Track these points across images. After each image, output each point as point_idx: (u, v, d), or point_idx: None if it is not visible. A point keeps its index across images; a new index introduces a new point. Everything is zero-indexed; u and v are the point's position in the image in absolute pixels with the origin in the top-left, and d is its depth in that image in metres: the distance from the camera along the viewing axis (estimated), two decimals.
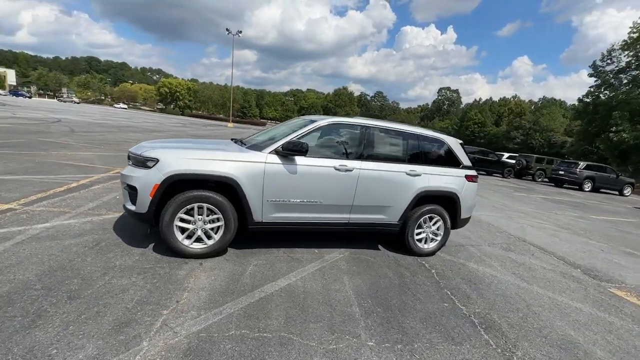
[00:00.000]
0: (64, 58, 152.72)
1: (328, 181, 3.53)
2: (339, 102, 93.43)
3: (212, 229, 3.22)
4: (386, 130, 4.05)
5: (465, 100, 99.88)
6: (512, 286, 3.66)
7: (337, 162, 3.56)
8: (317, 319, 2.51)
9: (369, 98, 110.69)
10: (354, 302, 2.82)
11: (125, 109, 71.73)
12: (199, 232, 3.18)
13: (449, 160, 4.28)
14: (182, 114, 76.12)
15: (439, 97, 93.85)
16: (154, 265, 2.96)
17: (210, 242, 3.22)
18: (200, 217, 3.15)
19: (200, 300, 2.51)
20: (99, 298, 2.36)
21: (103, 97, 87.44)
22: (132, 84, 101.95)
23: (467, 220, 4.49)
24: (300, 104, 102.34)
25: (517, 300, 3.33)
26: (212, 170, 3.07)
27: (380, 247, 4.33)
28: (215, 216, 3.18)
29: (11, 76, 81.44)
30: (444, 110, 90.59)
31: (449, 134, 4.74)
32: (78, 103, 66.85)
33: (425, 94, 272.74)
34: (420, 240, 4.16)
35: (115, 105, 74.60)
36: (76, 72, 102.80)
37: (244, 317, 2.39)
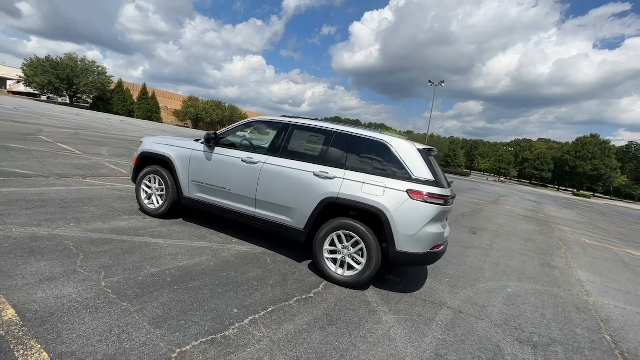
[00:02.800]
0: (321, 118, 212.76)
1: (234, 171, 3.81)
2: (582, 153, 70.63)
3: (159, 195, 4.35)
4: (309, 128, 3.76)
5: None
6: None
7: (246, 155, 3.79)
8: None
9: None
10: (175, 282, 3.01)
11: None
12: (153, 197, 4.39)
13: (391, 167, 3.27)
14: None
15: None
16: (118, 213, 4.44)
17: (158, 205, 4.35)
18: (154, 185, 4.37)
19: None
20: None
21: None
22: None
23: (417, 257, 3.12)
24: (523, 154, 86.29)
25: None
26: (158, 150, 4.29)
27: (303, 263, 3.82)
28: (162, 186, 4.30)
29: None
30: None
31: None
32: None
33: None
34: (335, 262, 3.37)
35: None
36: None
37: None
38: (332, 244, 3.37)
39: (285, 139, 3.76)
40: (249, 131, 4.28)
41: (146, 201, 4.46)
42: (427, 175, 3.17)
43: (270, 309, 2.64)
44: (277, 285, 3.09)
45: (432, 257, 3.21)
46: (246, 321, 2.41)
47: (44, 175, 5.52)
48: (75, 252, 2.98)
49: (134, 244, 3.40)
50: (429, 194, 3.07)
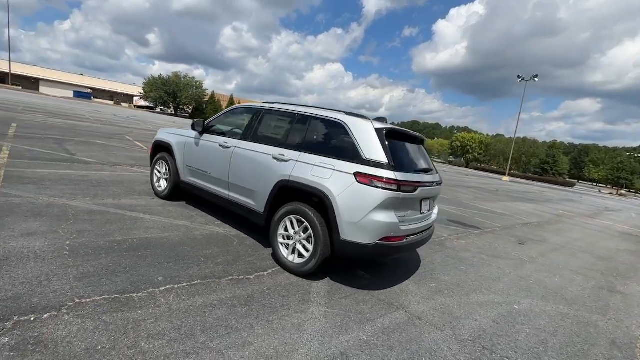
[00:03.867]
0: (395, 123, 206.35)
1: (214, 155, 4.01)
2: None
3: (165, 179, 4.83)
4: (278, 112, 3.69)
5: None
6: None
7: (223, 140, 3.95)
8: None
9: None
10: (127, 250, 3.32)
11: None
12: (161, 180, 4.90)
13: (344, 148, 3.00)
14: (466, 166, 76.42)
15: None
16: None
17: (163, 188, 4.84)
18: (162, 170, 4.87)
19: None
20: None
21: None
22: (433, 139, 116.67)
23: (364, 249, 2.78)
24: None
25: None
26: (164, 139, 4.79)
27: (269, 248, 3.75)
28: (167, 170, 4.77)
29: None
30: None
31: None
32: None
33: None
34: (288, 247, 3.24)
35: None
36: None
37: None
38: (287, 229, 3.24)
39: (256, 124, 3.80)
40: (233, 118, 4.45)
41: (156, 184, 5.00)
42: (381, 157, 2.80)
43: (194, 282, 2.68)
44: (223, 264, 3.12)
45: (382, 250, 2.81)
46: (161, 289, 2.50)
47: (101, 163, 6.69)
48: (69, 218, 3.53)
49: (122, 216, 3.86)
50: (377, 177, 2.71)
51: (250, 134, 3.78)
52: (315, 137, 3.26)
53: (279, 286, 2.89)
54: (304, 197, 3.13)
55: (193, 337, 2.03)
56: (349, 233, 2.79)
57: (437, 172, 3.65)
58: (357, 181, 2.77)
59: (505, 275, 4.31)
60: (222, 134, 4.17)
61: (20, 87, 60.95)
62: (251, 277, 2.98)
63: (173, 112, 65.04)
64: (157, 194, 4.93)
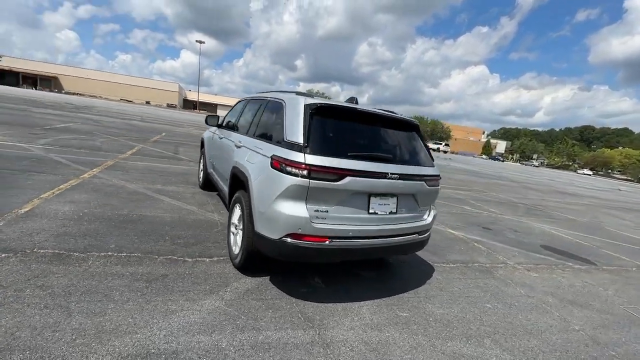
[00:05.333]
0: (557, 129, 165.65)
1: (213, 146, 4.30)
2: None
3: (201, 171, 5.46)
4: (252, 100, 3.58)
5: None
6: None
7: (219, 132, 4.18)
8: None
9: None
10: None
11: (589, 175, 64.42)
12: (201, 172, 5.57)
13: (276, 130, 2.68)
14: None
15: None
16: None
17: (200, 179, 5.48)
18: (201, 162, 5.53)
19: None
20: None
21: (570, 163, 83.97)
22: (623, 148, 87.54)
23: (271, 246, 2.37)
24: None
25: None
26: (202, 135, 5.42)
27: None
28: (202, 163, 5.40)
29: (501, 146, 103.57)
30: None
31: None
32: (537, 167, 70.64)
33: None
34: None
35: (579, 171, 69.37)
36: (557, 140, 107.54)
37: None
38: (234, 218, 3.11)
39: (239, 115, 3.83)
40: (232, 111, 4.57)
41: (199, 176, 5.72)
42: (299, 137, 2.34)
43: (133, 254, 2.91)
44: (179, 245, 3.25)
45: (292, 250, 2.30)
46: (102, 254, 2.82)
47: (188, 160, 8.18)
48: (112, 194, 4.46)
49: (150, 197, 4.59)
50: (286, 160, 2.27)
51: (234, 125, 3.86)
52: (262, 120, 3.04)
53: (205, 274, 2.79)
54: (242, 183, 2.94)
55: (70, 296, 2.20)
56: (259, 224, 2.44)
57: (423, 163, 2.77)
58: (271, 165, 2.40)
59: (563, 331, 2.78)
60: (226, 127, 4.40)
61: (206, 111, 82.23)
62: (190, 260, 2.99)
63: None
64: (199, 185, 5.64)
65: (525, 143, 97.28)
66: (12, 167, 4.99)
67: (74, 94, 57.69)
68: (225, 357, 1.89)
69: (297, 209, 2.28)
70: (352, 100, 2.93)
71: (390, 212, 2.62)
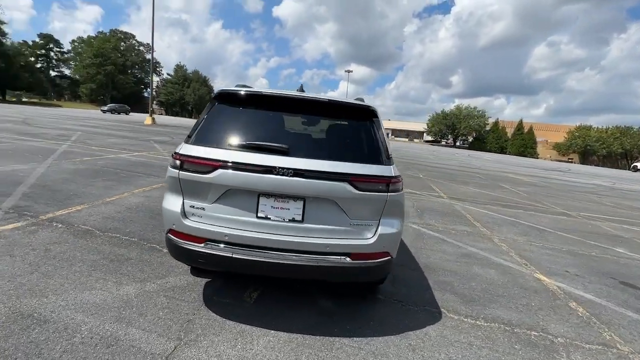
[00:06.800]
0: None
1: None
2: None
3: None
4: None
5: None
6: None
7: None
8: None
9: None
10: None
11: None
12: None
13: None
14: None
15: None
16: None
17: None
18: None
19: None
20: None
21: None
22: None
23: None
24: None
25: None
26: None
27: None
28: None
29: None
30: None
31: None
32: None
33: None
34: None
35: None
36: None
37: None
38: None
39: None
40: None
41: None
42: (194, 128, 2.17)
43: (125, 238, 3.41)
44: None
45: (175, 250, 2.12)
46: (107, 234, 3.47)
47: None
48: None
49: None
50: (174, 152, 2.14)
51: None
52: None
53: (158, 263, 2.96)
54: None
55: (53, 259, 2.80)
56: None
57: (355, 159, 2.02)
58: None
59: None
60: None
61: None
62: (165, 250, 3.24)
63: (452, 144, 66.74)
64: None
65: None
66: (145, 172, 6.90)
67: None
68: (72, 338, 1.91)
69: (173, 203, 2.11)
70: (360, 100, 2.47)
71: (293, 220, 2.00)
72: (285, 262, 1.96)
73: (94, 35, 73.40)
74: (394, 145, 41.25)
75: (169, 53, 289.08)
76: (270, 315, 2.35)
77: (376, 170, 2.00)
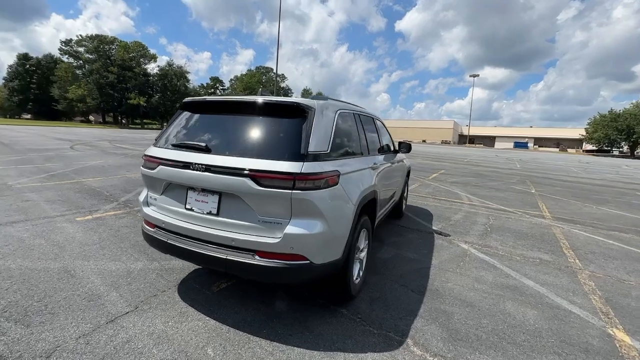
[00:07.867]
0: None
1: None
2: None
3: None
4: None
5: None
6: None
7: None
8: None
9: None
10: None
11: None
12: None
13: None
14: None
15: None
16: None
17: None
18: None
19: None
20: None
21: None
22: None
23: None
24: None
25: None
26: None
27: None
28: None
29: None
30: None
31: None
32: None
33: None
34: None
35: None
36: None
37: None
38: None
39: None
40: None
41: None
42: None
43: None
44: None
45: (143, 234, 2.56)
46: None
47: None
48: None
49: None
50: None
51: None
52: None
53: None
54: None
55: (60, 213, 3.81)
56: None
57: (262, 155, 2.03)
58: None
59: None
60: None
61: (482, 145, 79.36)
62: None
63: (628, 153, 49.79)
64: None
65: None
66: None
67: None
68: (76, 290, 2.60)
69: (142, 194, 2.60)
70: (320, 96, 2.59)
71: (210, 213, 2.13)
72: (201, 252, 2.14)
73: (245, 73, 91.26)
74: (519, 155, 34.14)
75: (302, 79, 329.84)
76: (219, 305, 2.53)
77: (280, 166, 1.94)
